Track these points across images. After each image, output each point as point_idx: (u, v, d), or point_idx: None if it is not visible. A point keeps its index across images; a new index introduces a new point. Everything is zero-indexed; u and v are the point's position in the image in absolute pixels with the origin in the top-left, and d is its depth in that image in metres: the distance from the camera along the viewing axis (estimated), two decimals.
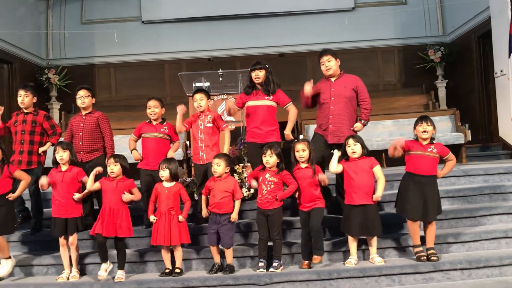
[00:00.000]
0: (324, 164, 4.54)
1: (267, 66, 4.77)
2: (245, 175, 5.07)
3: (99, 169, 4.27)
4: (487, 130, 8.67)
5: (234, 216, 4.11)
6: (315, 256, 4.04)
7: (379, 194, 4.09)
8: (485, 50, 8.73)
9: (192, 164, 5.11)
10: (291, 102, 4.78)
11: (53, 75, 9.62)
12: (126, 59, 10.19)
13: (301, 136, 6.68)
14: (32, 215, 4.87)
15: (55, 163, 4.26)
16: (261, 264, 4.11)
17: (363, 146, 4.16)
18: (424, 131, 4.11)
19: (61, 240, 4.18)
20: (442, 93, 9.63)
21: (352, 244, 4.15)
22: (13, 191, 4.26)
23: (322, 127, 4.75)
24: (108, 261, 4.16)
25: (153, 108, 4.82)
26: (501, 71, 7.38)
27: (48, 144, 4.86)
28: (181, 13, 10.21)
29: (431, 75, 9.78)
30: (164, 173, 4.19)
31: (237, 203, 4.16)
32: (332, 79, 4.75)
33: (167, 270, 4.14)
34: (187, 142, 6.51)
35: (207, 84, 6.09)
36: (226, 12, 10.18)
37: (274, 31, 10.15)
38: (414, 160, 4.13)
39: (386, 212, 4.84)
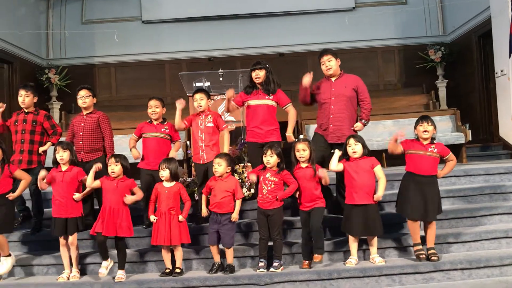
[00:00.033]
0: (324, 164, 4.53)
1: (267, 65, 4.77)
2: (245, 175, 5.07)
3: (98, 165, 4.26)
4: (487, 130, 8.67)
5: (235, 216, 4.11)
6: (316, 255, 4.04)
7: (380, 194, 4.09)
8: (485, 50, 8.73)
9: (193, 164, 5.11)
10: (291, 103, 4.78)
11: (53, 75, 9.62)
12: (126, 59, 10.19)
13: (301, 136, 6.69)
14: (32, 215, 4.87)
15: (56, 163, 4.26)
16: (261, 264, 4.11)
17: (364, 146, 4.16)
18: (425, 131, 4.11)
19: (61, 240, 4.18)
20: (442, 93, 9.63)
21: (353, 244, 4.15)
22: (13, 190, 4.26)
23: (323, 127, 4.75)
24: (109, 259, 4.16)
25: (154, 108, 4.82)
26: (502, 71, 7.38)
27: (49, 143, 4.86)
28: (182, 13, 10.22)
29: (432, 75, 9.78)
30: (164, 173, 4.19)
31: (238, 203, 4.16)
32: (333, 79, 4.75)
33: (168, 270, 4.14)
34: (188, 142, 6.52)
35: (208, 84, 6.09)
36: (227, 12, 10.18)
37: (274, 31, 10.15)
38: (414, 159, 4.13)
39: (386, 212, 4.84)
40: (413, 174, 4.13)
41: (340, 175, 4.52)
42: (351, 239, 4.15)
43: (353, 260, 4.11)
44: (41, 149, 4.81)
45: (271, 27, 10.18)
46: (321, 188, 4.16)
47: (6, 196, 4.18)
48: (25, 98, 4.82)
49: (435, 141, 4.19)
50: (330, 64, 4.69)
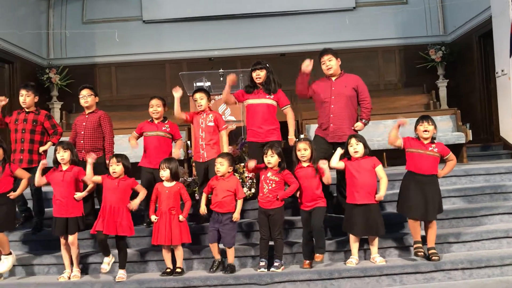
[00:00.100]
0: None
1: (267, 65, 4.78)
2: (246, 174, 5.08)
3: (92, 156, 4.26)
4: (488, 129, 8.66)
5: (236, 216, 4.12)
6: (317, 254, 4.04)
7: (382, 193, 4.09)
8: (486, 49, 8.72)
9: (193, 164, 5.11)
10: (289, 105, 4.81)
11: (54, 75, 9.63)
12: (127, 59, 10.19)
13: (301, 136, 6.69)
14: (33, 215, 4.88)
15: (56, 162, 4.26)
16: (262, 263, 4.11)
17: (366, 146, 4.16)
18: (425, 131, 4.11)
19: (62, 239, 4.18)
20: (443, 92, 9.62)
21: (354, 244, 4.15)
22: (14, 190, 4.27)
23: (323, 127, 4.74)
24: (110, 255, 4.17)
25: (156, 107, 4.83)
26: (502, 70, 7.38)
27: (49, 143, 4.86)
28: (182, 12, 10.22)
29: (432, 74, 9.77)
30: (165, 173, 4.19)
31: (239, 203, 4.17)
32: (333, 78, 4.75)
33: (168, 270, 4.14)
34: (188, 142, 6.52)
35: (208, 83, 6.09)
36: (227, 12, 10.18)
37: (274, 30, 10.15)
38: (415, 159, 4.14)
39: (387, 211, 4.83)
40: (413, 173, 4.14)
41: (341, 175, 4.52)
42: (352, 238, 4.16)
43: (354, 260, 4.11)
44: (41, 149, 4.81)
45: (272, 27, 10.18)
46: (321, 188, 4.16)
47: (7, 195, 4.19)
48: (26, 98, 4.82)
49: (435, 141, 4.19)
50: (331, 64, 4.69)
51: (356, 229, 4.08)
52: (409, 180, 4.17)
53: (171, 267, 4.16)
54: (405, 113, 7.73)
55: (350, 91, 4.69)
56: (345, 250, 4.30)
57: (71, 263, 4.22)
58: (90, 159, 4.22)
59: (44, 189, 4.83)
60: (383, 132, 7.29)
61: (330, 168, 4.18)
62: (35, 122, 4.80)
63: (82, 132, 4.87)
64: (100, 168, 4.59)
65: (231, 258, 4.15)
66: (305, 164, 4.16)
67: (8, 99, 4.88)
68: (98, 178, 4.23)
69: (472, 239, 4.38)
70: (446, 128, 7.34)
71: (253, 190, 4.95)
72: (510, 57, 7.04)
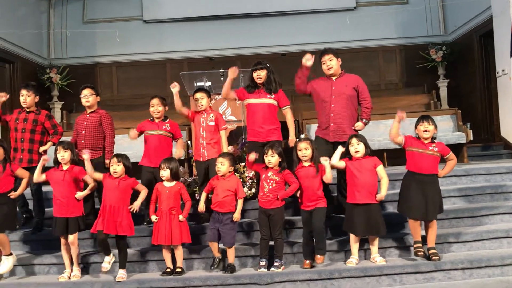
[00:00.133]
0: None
1: (268, 65, 4.78)
2: (246, 174, 5.08)
3: (87, 151, 4.26)
4: (488, 129, 8.66)
5: (236, 216, 4.12)
6: (318, 256, 4.05)
7: (383, 193, 4.09)
8: (486, 49, 8.71)
9: (194, 164, 5.12)
10: (289, 106, 4.83)
11: (54, 75, 9.63)
12: (127, 59, 10.19)
13: (302, 136, 6.69)
14: (34, 215, 4.88)
15: (57, 162, 4.27)
16: (262, 263, 4.11)
17: (366, 146, 4.16)
18: (426, 131, 4.11)
19: (62, 239, 4.19)
20: (443, 92, 9.62)
21: (354, 244, 4.15)
22: (15, 189, 4.27)
23: (323, 126, 4.73)
24: (111, 254, 4.17)
25: (156, 107, 4.85)
26: (503, 70, 7.37)
27: (49, 143, 4.86)
28: (183, 12, 10.22)
29: (433, 74, 9.76)
30: (165, 173, 4.19)
31: (240, 202, 4.17)
32: (333, 78, 4.75)
33: (168, 270, 4.14)
34: (189, 142, 6.52)
35: (209, 83, 6.09)
36: (228, 12, 10.18)
37: (275, 30, 10.15)
38: (415, 158, 4.13)
39: (387, 211, 4.83)
40: (414, 173, 4.14)
41: (341, 175, 4.52)
42: (353, 238, 4.15)
43: (354, 260, 4.11)
44: (41, 149, 4.82)
45: (272, 27, 10.18)
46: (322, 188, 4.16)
47: (8, 195, 4.19)
48: (26, 97, 4.82)
49: (435, 141, 4.19)
50: (331, 64, 4.69)
51: (357, 229, 4.08)
52: (410, 180, 4.17)
53: (171, 267, 4.16)
54: (405, 113, 7.74)
55: (350, 91, 4.69)
56: (345, 250, 4.30)
57: (71, 263, 4.22)
58: (86, 155, 4.22)
59: (44, 189, 4.84)
60: (383, 132, 7.28)
61: (331, 167, 4.17)
62: (35, 122, 4.80)
63: (83, 132, 4.88)
64: (99, 167, 4.59)
65: (231, 258, 4.15)
66: (306, 164, 4.16)
67: (8, 95, 4.88)
68: (99, 175, 4.24)
69: (472, 239, 4.38)
70: (446, 128, 7.33)
71: (253, 190, 4.95)
72: (511, 57, 7.04)
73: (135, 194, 4.24)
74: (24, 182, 4.30)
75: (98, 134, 4.90)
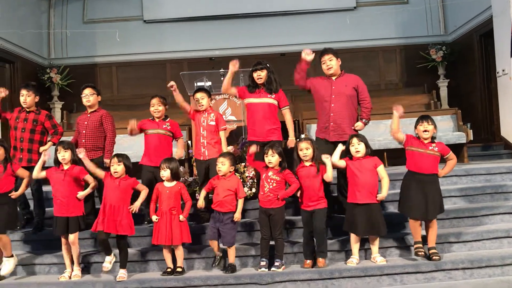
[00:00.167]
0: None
1: (268, 65, 4.79)
2: (246, 174, 5.08)
3: (82, 150, 4.26)
4: (489, 129, 8.65)
5: (237, 216, 4.12)
6: (320, 259, 4.06)
7: (384, 193, 4.09)
8: (487, 49, 8.71)
9: (194, 163, 5.11)
10: (288, 106, 4.85)
11: (55, 75, 9.63)
12: (127, 59, 10.19)
13: (302, 136, 6.69)
14: (34, 215, 4.88)
15: (57, 162, 4.27)
16: (263, 263, 4.11)
17: (367, 146, 4.17)
18: (425, 131, 4.11)
19: (63, 239, 4.19)
20: (443, 92, 9.61)
21: (355, 244, 4.15)
22: (16, 189, 4.27)
23: (323, 126, 4.73)
24: (112, 254, 4.18)
25: (157, 106, 4.85)
26: (503, 70, 7.37)
27: (49, 143, 4.86)
28: (183, 12, 10.22)
29: (433, 74, 9.76)
30: (165, 173, 4.19)
31: (240, 202, 4.17)
32: (333, 78, 4.75)
33: (169, 270, 4.14)
34: (189, 142, 6.53)
35: (209, 83, 6.09)
36: (228, 12, 10.18)
37: (275, 30, 10.14)
38: (415, 158, 4.14)
39: (388, 211, 4.84)
40: (414, 173, 4.14)
41: (342, 174, 4.52)
42: (353, 238, 4.15)
43: (354, 260, 4.11)
44: (41, 149, 4.81)
45: (272, 27, 10.18)
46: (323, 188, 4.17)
47: (9, 195, 4.20)
48: (26, 97, 4.82)
49: (435, 140, 4.19)
50: (331, 64, 4.69)
51: (358, 228, 4.08)
52: (410, 179, 4.17)
53: (172, 267, 4.16)
54: (406, 113, 7.73)
55: (350, 91, 4.69)
56: (346, 250, 4.30)
57: (72, 263, 4.23)
58: (81, 154, 4.22)
59: (44, 188, 4.84)
60: (384, 132, 7.29)
61: (332, 166, 4.17)
62: (35, 121, 4.80)
63: (84, 131, 4.88)
64: (100, 167, 4.57)
65: (231, 257, 4.16)
66: (307, 164, 4.16)
67: (8, 90, 4.87)
68: (102, 173, 4.24)
69: (473, 239, 4.38)
70: (447, 128, 7.33)
71: (253, 190, 4.95)
72: (511, 56, 7.03)
73: (136, 194, 4.24)
74: (25, 182, 4.30)
75: (99, 134, 4.90)
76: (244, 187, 4.82)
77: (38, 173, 4.26)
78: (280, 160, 4.15)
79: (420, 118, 4.20)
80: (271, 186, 4.12)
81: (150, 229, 4.49)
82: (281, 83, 4.83)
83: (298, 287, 3.95)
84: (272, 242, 4.17)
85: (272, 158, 4.13)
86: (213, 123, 4.76)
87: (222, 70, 6.11)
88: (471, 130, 7.21)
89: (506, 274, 4.01)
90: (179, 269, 4.14)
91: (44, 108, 5.41)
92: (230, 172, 4.20)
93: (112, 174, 4.16)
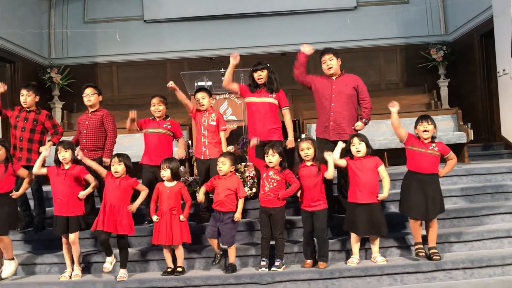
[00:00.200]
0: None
1: (268, 65, 4.80)
2: (247, 174, 5.08)
3: (78, 150, 4.27)
4: (489, 129, 8.65)
5: (237, 216, 4.12)
6: (321, 263, 4.07)
7: (385, 193, 4.09)
8: (487, 49, 8.70)
9: (194, 163, 5.11)
10: (288, 107, 4.86)
11: (55, 74, 9.63)
12: (128, 58, 10.19)
13: (302, 135, 6.69)
14: (35, 215, 4.88)
15: (58, 162, 4.27)
16: (263, 263, 4.11)
17: (368, 146, 4.16)
18: (425, 131, 4.11)
19: (64, 238, 4.19)
20: (444, 92, 9.61)
21: (355, 244, 4.15)
22: (16, 189, 4.28)
23: (323, 125, 4.73)
24: (113, 254, 4.18)
25: (157, 106, 4.85)
26: (504, 70, 7.37)
27: (50, 143, 4.86)
28: (183, 12, 10.22)
29: (433, 74, 9.75)
30: (166, 173, 4.19)
31: (240, 202, 4.17)
32: (333, 78, 4.75)
33: (169, 269, 4.15)
34: (189, 141, 6.53)
35: (209, 83, 6.09)
36: (228, 12, 10.18)
37: (275, 30, 10.14)
38: (415, 157, 4.13)
39: (388, 211, 4.83)
40: (414, 172, 4.14)
41: (341, 175, 4.52)
42: (353, 238, 4.15)
43: (354, 260, 4.11)
44: (41, 149, 4.81)
45: (273, 27, 10.17)
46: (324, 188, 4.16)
47: (10, 195, 4.20)
48: (26, 97, 4.82)
49: (435, 140, 4.19)
50: (332, 63, 4.69)
51: (359, 228, 4.08)
52: (410, 179, 4.17)
53: (172, 267, 4.16)
54: (406, 113, 7.73)
55: (350, 90, 4.70)
56: (346, 250, 4.30)
57: (73, 262, 4.23)
58: (80, 156, 4.22)
59: (45, 188, 4.84)
60: (384, 131, 7.28)
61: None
62: (35, 121, 4.81)
63: (85, 131, 4.88)
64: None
65: (232, 257, 4.16)
66: (308, 163, 4.16)
67: (6, 86, 4.86)
68: (104, 171, 4.24)
69: (473, 239, 4.38)
70: (447, 127, 7.32)
71: (254, 190, 4.96)
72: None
73: (136, 194, 4.24)
74: (25, 182, 4.30)
75: (100, 134, 4.90)
76: (244, 186, 4.83)
77: (38, 169, 4.26)
78: (281, 160, 4.15)
79: (419, 118, 4.19)
80: (271, 186, 4.12)
81: (150, 229, 4.49)
82: (281, 83, 4.83)
83: (298, 287, 3.95)
84: (272, 242, 4.17)
85: (273, 158, 4.13)
86: (214, 123, 4.77)
87: (222, 70, 6.10)
88: (472, 130, 7.21)
89: (507, 274, 4.01)
90: (179, 269, 4.14)
91: (45, 108, 5.42)
92: (230, 172, 4.20)
93: (113, 174, 4.16)
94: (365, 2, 10.24)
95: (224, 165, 4.16)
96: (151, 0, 10.27)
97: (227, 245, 4.13)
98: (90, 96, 4.93)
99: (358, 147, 4.13)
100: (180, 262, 4.18)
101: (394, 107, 4.18)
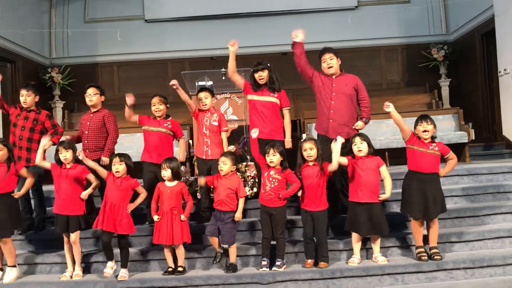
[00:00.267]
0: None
1: (268, 65, 4.80)
2: (248, 174, 5.08)
3: (79, 151, 4.27)
4: (490, 129, 8.64)
5: (238, 216, 4.12)
6: (322, 262, 4.07)
7: (388, 194, 4.09)
8: (488, 48, 8.70)
9: (195, 163, 5.11)
10: (289, 108, 4.87)
11: (56, 74, 9.63)
12: (129, 58, 10.19)
13: (304, 136, 6.68)
14: (35, 214, 4.88)
15: (59, 162, 4.26)
16: (264, 263, 4.11)
17: (370, 145, 4.16)
18: (425, 131, 4.10)
19: (66, 237, 4.19)
20: (445, 91, 9.60)
21: (356, 243, 4.15)
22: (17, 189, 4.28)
23: (323, 123, 4.72)
24: (114, 260, 4.18)
25: (158, 105, 4.85)
26: (505, 69, 7.36)
27: (49, 143, 4.84)
28: (184, 12, 10.22)
29: (435, 73, 9.74)
30: (166, 173, 4.19)
31: (241, 201, 4.17)
32: (333, 77, 4.74)
33: (170, 269, 4.14)
34: (190, 141, 6.52)
35: (210, 83, 6.09)
36: (229, 11, 10.18)
37: (276, 30, 10.11)
38: (416, 157, 4.13)
39: (389, 211, 4.83)
40: (415, 172, 4.13)
41: (342, 175, 4.50)
42: (354, 238, 4.15)
43: (355, 259, 4.11)
44: (42, 139, 4.79)
45: (274, 26, 10.15)
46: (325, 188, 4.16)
47: (12, 195, 4.20)
48: (26, 97, 4.81)
49: (436, 140, 4.18)
50: (332, 62, 4.69)
51: (360, 228, 4.07)
52: (411, 179, 4.16)
53: (173, 266, 4.16)
54: (407, 112, 7.72)
55: (350, 90, 4.70)
56: (347, 249, 4.30)
57: (73, 262, 4.22)
58: (81, 156, 4.21)
59: (45, 188, 4.84)
60: (385, 131, 7.28)
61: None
62: (35, 121, 4.80)
63: (86, 132, 4.88)
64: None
65: (232, 257, 4.16)
66: (311, 163, 4.15)
67: (2, 75, 4.85)
68: (104, 171, 4.24)
69: (474, 239, 4.37)
70: (448, 127, 7.31)
71: (255, 189, 4.95)
72: None
73: (136, 193, 4.25)
74: (27, 182, 4.30)
75: (101, 135, 4.89)
76: (245, 186, 4.83)
77: (40, 159, 4.26)
78: (282, 159, 4.14)
79: (419, 118, 4.18)
80: (272, 185, 4.12)
81: (151, 229, 4.48)
82: (282, 83, 4.83)
83: (299, 286, 3.95)
84: (273, 242, 4.17)
85: (274, 157, 4.12)
86: (215, 123, 4.78)
87: (223, 69, 6.10)
88: (473, 130, 7.20)
89: (508, 274, 4.00)
90: (180, 269, 4.13)
91: (45, 107, 5.42)
92: (231, 171, 4.20)
93: (114, 174, 4.16)
94: (366, 2, 10.24)
95: (225, 165, 4.16)
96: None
97: (227, 244, 4.13)
98: (92, 96, 4.93)
99: (360, 147, 4.13)
100: (181, 261, 4.18)
101: (389, 107, 4.16)
